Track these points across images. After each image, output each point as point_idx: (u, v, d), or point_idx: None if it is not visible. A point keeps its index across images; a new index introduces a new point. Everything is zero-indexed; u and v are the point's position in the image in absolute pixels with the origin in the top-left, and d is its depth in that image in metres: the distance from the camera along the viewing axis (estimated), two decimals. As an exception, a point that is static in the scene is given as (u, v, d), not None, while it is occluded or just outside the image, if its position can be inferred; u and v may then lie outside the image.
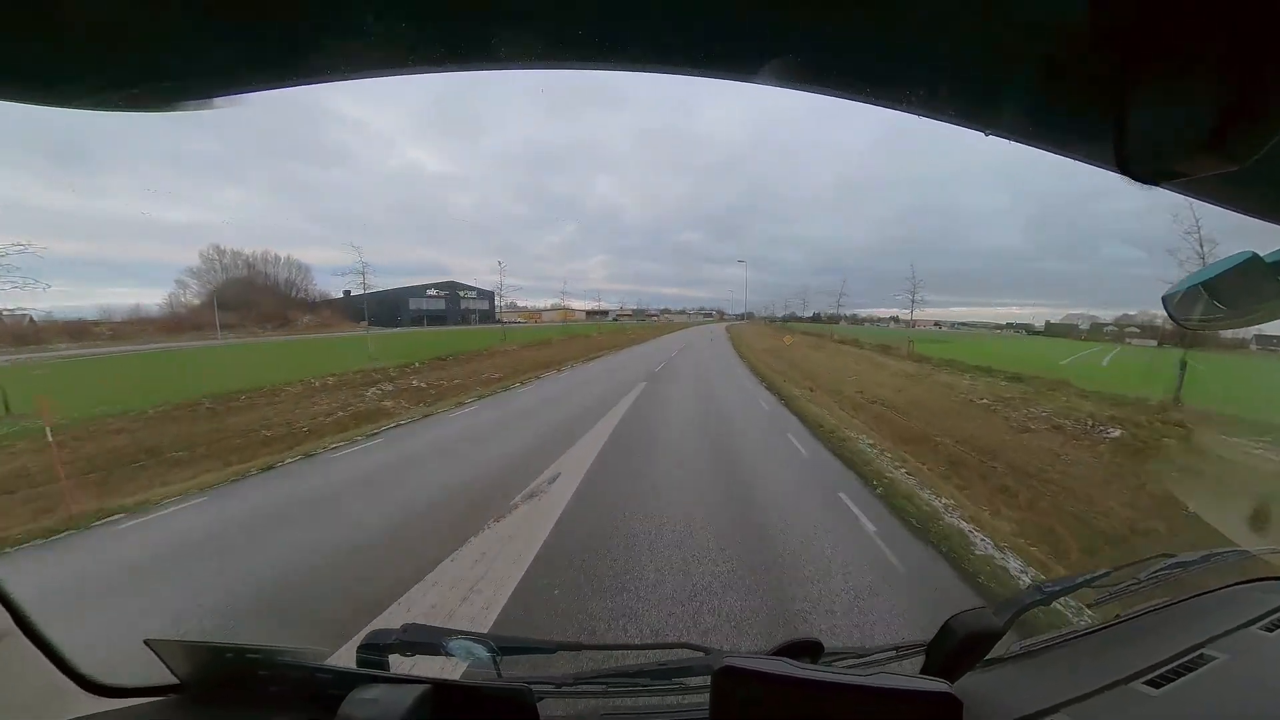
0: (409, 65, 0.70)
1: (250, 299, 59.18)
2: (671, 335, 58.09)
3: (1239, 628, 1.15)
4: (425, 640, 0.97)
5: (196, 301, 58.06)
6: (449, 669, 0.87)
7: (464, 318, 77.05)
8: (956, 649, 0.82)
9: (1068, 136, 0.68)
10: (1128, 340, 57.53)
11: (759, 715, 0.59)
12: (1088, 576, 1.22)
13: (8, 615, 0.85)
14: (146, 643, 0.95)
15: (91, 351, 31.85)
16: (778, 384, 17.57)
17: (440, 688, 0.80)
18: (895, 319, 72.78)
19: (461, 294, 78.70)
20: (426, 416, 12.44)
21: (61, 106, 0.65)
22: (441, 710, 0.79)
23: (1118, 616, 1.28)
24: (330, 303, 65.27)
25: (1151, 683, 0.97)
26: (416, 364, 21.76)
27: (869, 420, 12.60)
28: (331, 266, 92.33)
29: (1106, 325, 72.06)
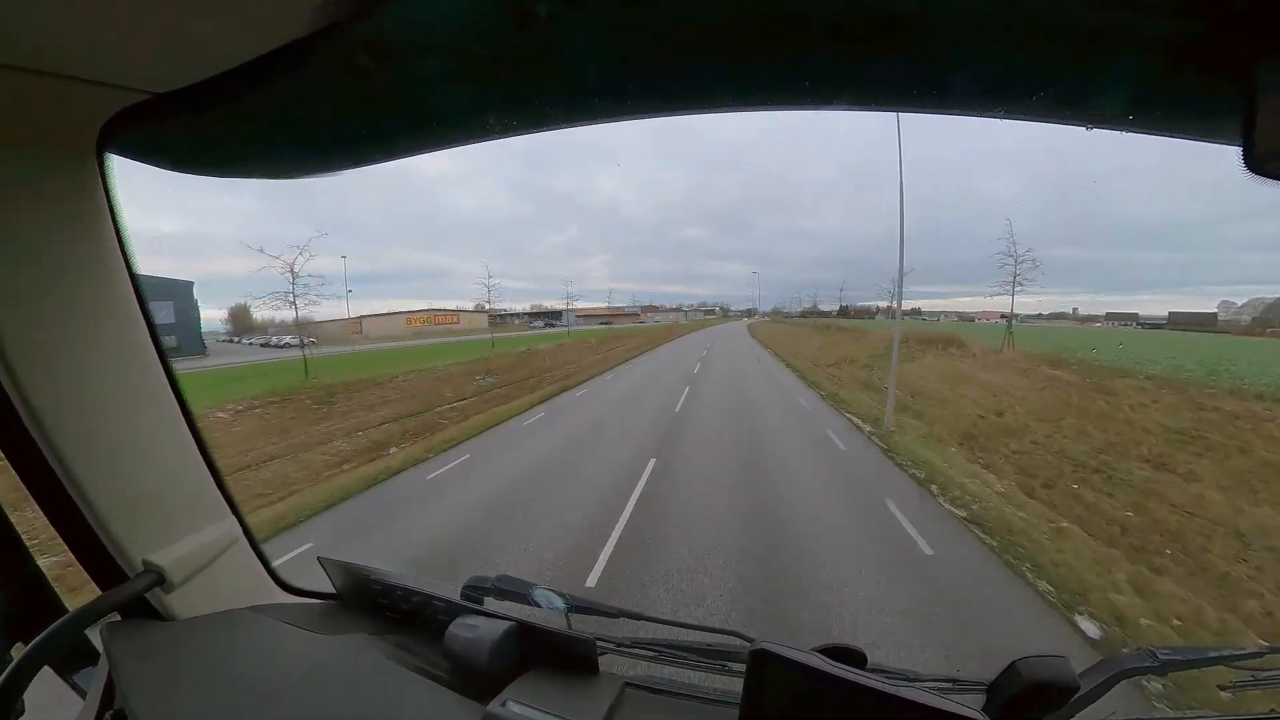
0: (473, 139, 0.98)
1: None
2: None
3: None
4: (513, 589, 1.13)
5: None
6: (531, 615, 1.01)
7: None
8: (1019, 696, 0.72)
9: (1188, 123, 0.68)
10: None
11: (785, 700, 0.64)
12: (1225, 651, 0.96)
13: (239, 527, 1.16)
14: (319, 559, 1.26)
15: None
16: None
17: (524, 627, 0.96)
18: (918, 312, 58.03)
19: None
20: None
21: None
22: (524, 645, 0.95)
23: (1272, 711, 0.95)
24: None
25: None
26: None
27: None
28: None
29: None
